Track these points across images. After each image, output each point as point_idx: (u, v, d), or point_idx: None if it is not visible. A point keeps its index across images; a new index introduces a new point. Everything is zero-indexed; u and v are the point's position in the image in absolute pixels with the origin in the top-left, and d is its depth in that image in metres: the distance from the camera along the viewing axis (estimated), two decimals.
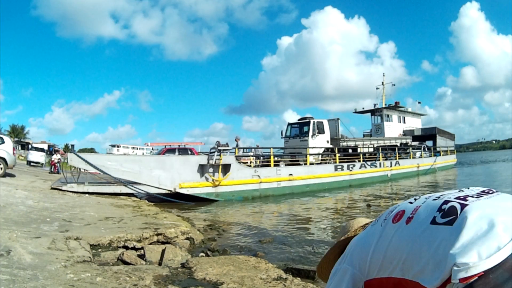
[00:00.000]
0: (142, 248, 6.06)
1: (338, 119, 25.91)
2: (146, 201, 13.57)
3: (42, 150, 38.59)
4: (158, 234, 6.72)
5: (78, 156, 13.91)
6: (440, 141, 36.07)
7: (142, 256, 5.55)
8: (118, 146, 60.96)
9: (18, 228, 5.75)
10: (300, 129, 24.64)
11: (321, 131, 23.77)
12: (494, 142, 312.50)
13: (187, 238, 7.22)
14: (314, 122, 23.59)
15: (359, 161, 24.40)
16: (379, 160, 26.04)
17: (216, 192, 16.20)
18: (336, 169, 22.34)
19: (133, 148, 61.86)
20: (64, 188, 13.39)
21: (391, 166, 26.90)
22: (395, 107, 33.81)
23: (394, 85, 37.56)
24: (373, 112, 33.77)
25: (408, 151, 30.76)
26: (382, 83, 36.46)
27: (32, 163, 33.92)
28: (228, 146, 17.46)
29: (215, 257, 5.54)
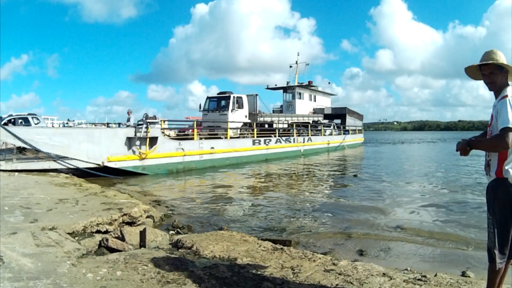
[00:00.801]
0: (113, 231, 6.15)
1: (256, 94, 26.79)
2: (75, 177, 13.11)
3: None
4: (124, 215, 6.82)
5: (6, 130, 12.90)
6: (349, 120, 38.89)
7: (121, 240, 5.67)
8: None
9: None
10: (218, 103, 25.03)
11: (240, 105, 24.46)
12: (395, 123, 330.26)
13: (148, 217, 7.40)
14: (234, 97, 24.16)
15: (275, 136, 25.59)
16: (293, 136, 27.51)
17: (142, 165, 16.12)
18: (254, 143, 23.34)
19: (44, 118, 57.08)
20: None
21: (304, 142, 28.66)
22: (308, 86, 35.41)
23: (308, 64, 39.19)
24: (285, 89, 35.03)
25: (319, 128, 32.75)
26: (296, 62, 37.87)
27: None
28: (155, 119, 17.27)
29: (202, 234, 5.73)
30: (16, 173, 12.21)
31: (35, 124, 20.25)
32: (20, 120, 20.34)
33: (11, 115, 20.68)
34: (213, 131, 22.53)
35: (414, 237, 6.79)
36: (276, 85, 36.07)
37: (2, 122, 18.22)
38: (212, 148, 19.74)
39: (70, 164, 14.07)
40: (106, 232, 6.17)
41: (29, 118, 20.88)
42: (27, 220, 5.95)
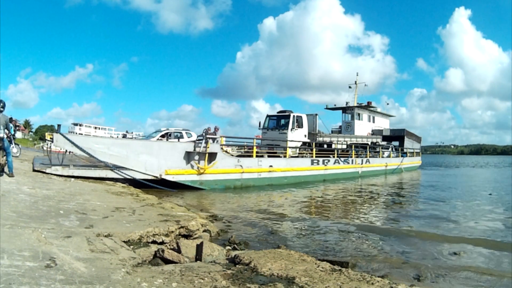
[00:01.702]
0: (169, 242, 5.92)
1: (316, 114, 26.25)
2: (132, 187, 13.19)
3: None
4: (181, 227, 6.57)
5: (65, 137, 13.20)
6: (407, 142, 37.26)
7: (177, 252, 5.40)
8: (80, 125, 59.17)
9: (37, 225, 5.36)
10: (278, 121, 24.72)
11: (300, 125, 23.96)
12: (452, 147, 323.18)
13: (204, 231, 7.12)
14: (294, 116, 23.74)
15: (334, 156, 24.87)
16: (351, 157, 26.65)
17: (200, 180, 15.99)
18: (312, 163, 22.69)
19: (96, 127, 60.22)
20: (48, 171, 12.69)
21: (362, 163, 27.61)
22: (367, 106, 34.47)
23: (367, 85, 38.17)
24: (344, 109, 34.17)
25: (377, 150, 31.61)
26: (355, 82, 36.98)
27: None
28: (216, 135, 17.26)
29: (259, 251, 5.40)
30: (72, 179, 12.31)
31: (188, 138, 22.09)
32: (176, 134, 22.37)
33: (167, 129, 22.75)
34: (272, 149, 22.24)
35: (471, 264, 6.59)
36: (335, 105, 35.26)
37: (159, 135, 21.76)
38: (271, 166, 19.36)
39: (127, 174, 14.10)
40: (162, 243, 5.91)
41: (184, 133, 22.78)
42: (82, 225, 5.80)
